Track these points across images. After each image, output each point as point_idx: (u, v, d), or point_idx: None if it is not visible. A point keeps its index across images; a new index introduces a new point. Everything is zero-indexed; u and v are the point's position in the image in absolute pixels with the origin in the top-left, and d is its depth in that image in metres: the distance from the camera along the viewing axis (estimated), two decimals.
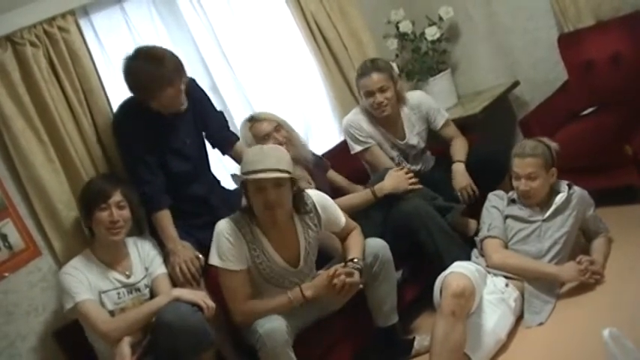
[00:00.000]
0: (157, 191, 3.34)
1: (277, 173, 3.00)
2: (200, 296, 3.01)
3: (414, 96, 4.23)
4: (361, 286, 3.19)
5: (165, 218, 3.33)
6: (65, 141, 3.32)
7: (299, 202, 3.20)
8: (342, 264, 3.16)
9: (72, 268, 3.04)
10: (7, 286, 3.19)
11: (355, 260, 3.17)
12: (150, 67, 3.19)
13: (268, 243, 3.16)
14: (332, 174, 4.14)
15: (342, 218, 3.36)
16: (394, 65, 4.25)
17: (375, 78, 3.93)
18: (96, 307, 2.99)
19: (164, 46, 3.41)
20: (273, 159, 3.03)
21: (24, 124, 3.24)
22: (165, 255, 3.30)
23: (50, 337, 3.18)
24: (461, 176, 3.95)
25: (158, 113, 3.33)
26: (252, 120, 3.80)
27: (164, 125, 3.37)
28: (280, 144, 3.63)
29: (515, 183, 3.52)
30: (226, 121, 3.73)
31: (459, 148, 4.08)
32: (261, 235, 3.15)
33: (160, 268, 3.25)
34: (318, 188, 3.61)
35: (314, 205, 3.27)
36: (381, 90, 3.94)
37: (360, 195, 3.77)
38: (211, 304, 2.99)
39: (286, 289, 3.16)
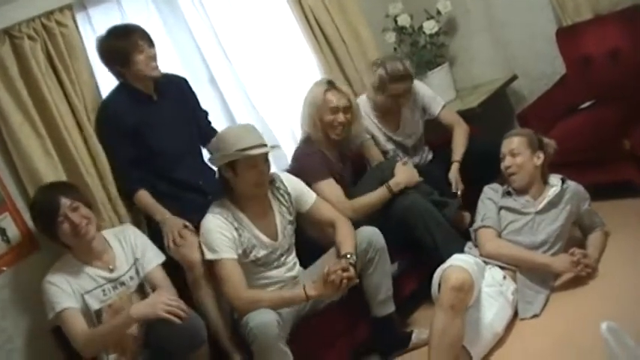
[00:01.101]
0: (128, 176, 3.41)
1: (266, 148, 3.22)
2: (158, 306, 2.85)
3: None
4: (357, 281, 3.19)
5: (144, 197, 3.41)
6: (63, 134, 3.33)
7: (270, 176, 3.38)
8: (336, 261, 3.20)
9: (53, 276, 3.00)
10: (5, 281, 3.20)
11: (348, 256, 3.20)
12: (118, 40, 3.39)
13: (249, 220, 3.28)
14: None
15: (312, 193, 3.51)
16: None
17: (406, 86, 4.04)
18: (74, 318, 2.94)
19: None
20: (257, 134, 3.24)
21: (22, 117, 3.25)
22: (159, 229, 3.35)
23: (48, 332, 3.17)
24: (454, 172, 4.04)
25: (140, 97, 3.45)
26: (331, 85, 3.84)
27: (147, 113, 3.45)
28: (340, 124, 3.78)
29: (501, 166, 3.55)
30: (208, 118, 3.80)
31: (459, 145, 4.12)
32: (242, 214, 3.28)
33: (155, 259, 3.23)
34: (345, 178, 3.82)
35: (282, 182, 3.42)
36: (405, 93, 4.04)
37: (376, 193, 3.72)
38: (173, 305, 2.86)
39: (270, 269, 3.32)
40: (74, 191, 3.10)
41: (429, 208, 3.64)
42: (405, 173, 3.75)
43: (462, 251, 3.48)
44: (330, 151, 3.87)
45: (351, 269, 3.13)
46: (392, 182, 3.71)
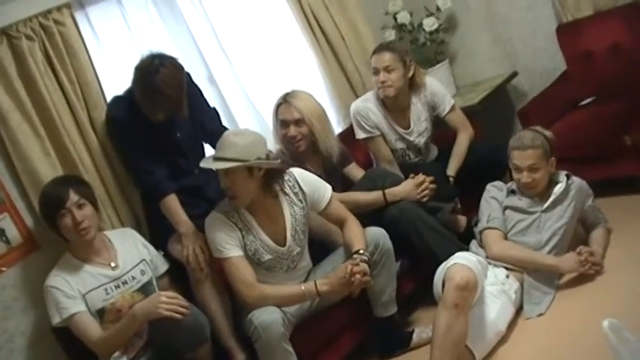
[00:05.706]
0: (159, 179, 3.33)
1: (223, 163, 3.06)
2: (158, 305, 2.85)
3: None
4: (372, 283, 3.19)
5: (172, 203, 3.32)
6: (62, 134, 3.31)
7: (271, 183, 3.21)
8: (351, 259, 3.17)
9: (54, 279, 2.99)
10: (6, 281, 3.19)
11: (361, 252, 3.18)
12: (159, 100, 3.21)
13: (255, 222, 3.21)
14: (352, 168, 4.01)
15: (328, 190, 3.38)
16: None
17: (385, 57, 3.94)
18: (86, 322, 2.96)
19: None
20: (228, 147, 3.09)
21: (20, 118, 3.23)
22: (176, 239, 3.31)
23: (49, 332, 3.14)
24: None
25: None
26: (284, 99, 3.72)
27: (158, 133, 3.36)
28: (293, 138, 3.66)
29: (516, 175, 3.49)
30: (219, 117, 3.70)
31: (456, 156, 4.04)
32: (248, 215, 3.21)
33: (161, 267, 3.29)
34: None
35: (297, 182, 3.32)
36: (387, 70, 3.92)
37: (369, 194, 3.67)
38: (173, 302, 2.87)
39: (279, 273, 3.24)
40: (85, 188, 3.12)
41: (418, 214, 3.58)
42: (407, 187, 3.68)
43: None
44: (310, 161, 3.76)
45: (368, 272, 3.12)
46: (389, 191, 3.65)
